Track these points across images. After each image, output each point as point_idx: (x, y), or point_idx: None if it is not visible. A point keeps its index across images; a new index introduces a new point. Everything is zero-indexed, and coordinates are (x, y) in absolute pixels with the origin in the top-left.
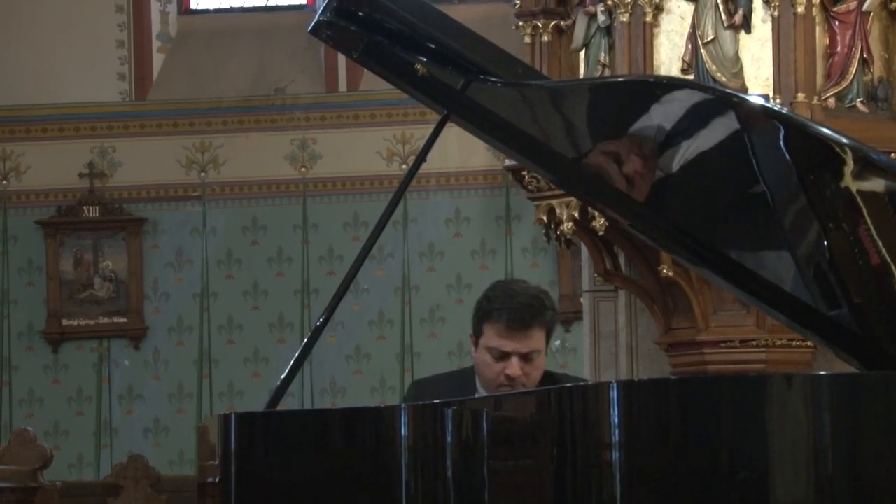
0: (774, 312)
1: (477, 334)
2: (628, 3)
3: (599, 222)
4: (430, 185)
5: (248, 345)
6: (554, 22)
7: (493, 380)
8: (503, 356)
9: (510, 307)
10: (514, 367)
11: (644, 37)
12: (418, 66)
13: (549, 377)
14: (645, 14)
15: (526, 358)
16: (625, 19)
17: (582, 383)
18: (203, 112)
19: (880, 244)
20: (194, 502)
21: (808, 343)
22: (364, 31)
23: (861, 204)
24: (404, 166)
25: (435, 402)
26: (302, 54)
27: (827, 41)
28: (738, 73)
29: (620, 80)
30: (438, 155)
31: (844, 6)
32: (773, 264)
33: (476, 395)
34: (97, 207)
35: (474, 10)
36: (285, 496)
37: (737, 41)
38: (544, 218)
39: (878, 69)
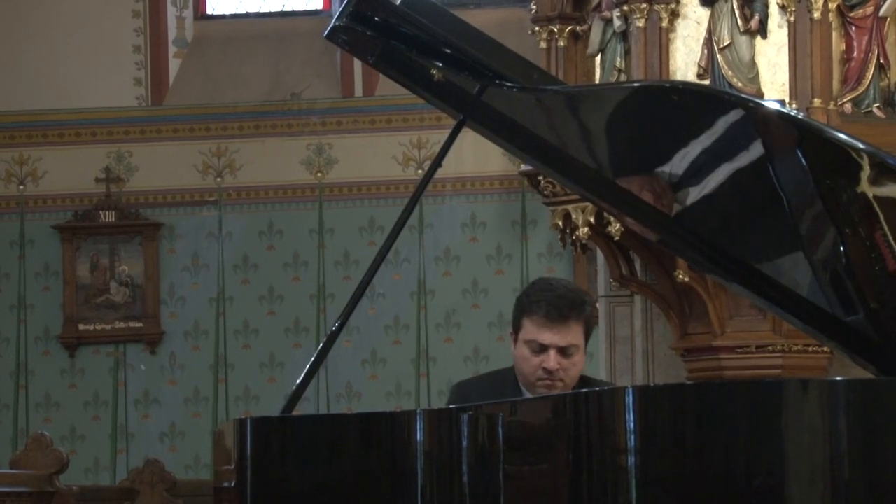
0: (791, 318)
1: (516, 329)
2: (644, 8)
3: (615, 227)
4: (445, 189)
5: (263, 349)
6: (570, 27)
7: (531, 374)
8: (541, 349)
9: (549, 300)
10: (551, 360)
11: (660, 42)
12: (434, 71)
13: (585, 382)
14: (661, 19)
15: (564, 352)
16: (641, 24)
17: (598, 388)
18: (219, 117)
19: None
20: None
21: (825, 348)
22: (380, 36)
23: (877, 209)
24: (420, 171)
25: (451, 406)
26: (318, 59)
27: (843, 46)
28: (755, 79)
29: (636, 85)
30: (454, 160)
31: (861, 11)
32: (790, 270)
33: (521, 396)
34: (114, 212)
35: (490, 15)
36: (301, 501)
37: (753, 46)
38: (560, 223)
39: (894, 74)
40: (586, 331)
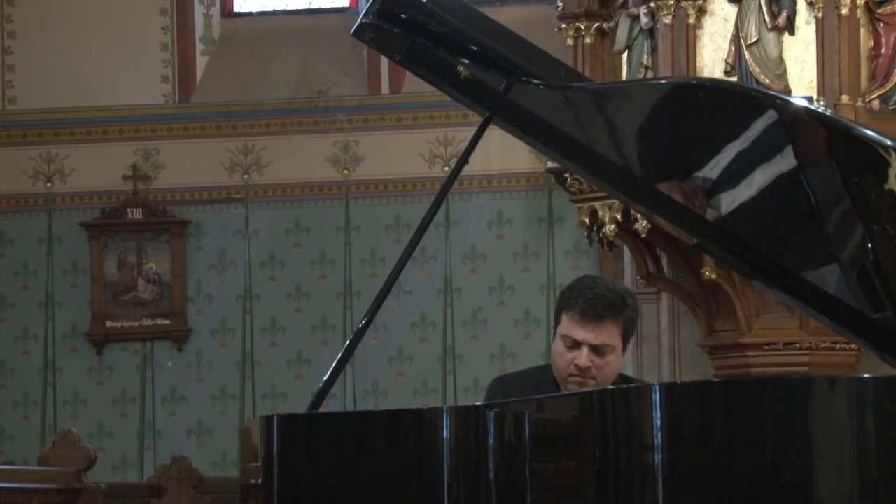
0: (818, 315)
1: (556, 323)
2: (671, 5)
3: (642, 224)
4: (472, 187)
5: (290, 347)
6: (596, 24)
7: (563, 370)
8: (575, 345)
9: (587, 297)
10: (583, 357)
11: (687, 39)
12: (461, 69)
13: (625, 381)
14: (688, 16)
15: (597, 351)
16: (668, 21)
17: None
18: (246, 115)
19: None
20: None
21: (852, 346)
22: (407, 33)
23: None
24: (447, 168)
25: (477, 404)
26: (345, 57)
27: (871, 43)
28: (782, 75)
29: (663, 82)
30: (481, 157)
31: (889, 7)
32: (817, 267)
33: (559, 392)
34: (141, 209)
35: (517, 13)
36: (328, 497)
37: (780, 43)
38: (587, 220)
39: None
40: (624, 332)
